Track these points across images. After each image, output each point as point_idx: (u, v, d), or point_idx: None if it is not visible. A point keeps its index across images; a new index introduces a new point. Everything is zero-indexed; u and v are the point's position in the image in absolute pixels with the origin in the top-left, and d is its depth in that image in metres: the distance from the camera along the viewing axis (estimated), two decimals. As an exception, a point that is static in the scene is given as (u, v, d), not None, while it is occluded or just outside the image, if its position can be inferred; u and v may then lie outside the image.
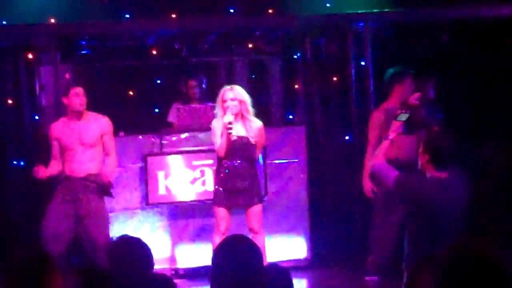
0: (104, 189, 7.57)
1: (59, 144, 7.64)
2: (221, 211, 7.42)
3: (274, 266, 4.27)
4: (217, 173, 7.54)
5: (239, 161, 7.40)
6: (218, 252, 3.77)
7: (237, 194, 7.41)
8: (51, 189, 7.70)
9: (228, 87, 7.47)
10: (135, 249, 4.42)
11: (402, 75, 7.97)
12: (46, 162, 7.61)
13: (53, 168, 7.62)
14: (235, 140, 7.31)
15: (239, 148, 7.38)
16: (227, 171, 7.41)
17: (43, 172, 7.50)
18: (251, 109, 7.44)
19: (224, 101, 7.34)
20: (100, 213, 7.57)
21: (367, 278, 8.04)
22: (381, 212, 7.92)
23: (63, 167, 7.61)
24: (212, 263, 3.75)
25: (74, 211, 7.49)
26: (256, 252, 3.74)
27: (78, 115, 7.62)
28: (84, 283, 4.06)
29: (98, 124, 7.67)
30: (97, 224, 7.52)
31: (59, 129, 7.67)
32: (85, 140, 7.57)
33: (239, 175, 7.39)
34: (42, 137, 8.32)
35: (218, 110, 7.45)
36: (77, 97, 7.56)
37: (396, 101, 7.79)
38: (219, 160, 7.47)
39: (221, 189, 7.42)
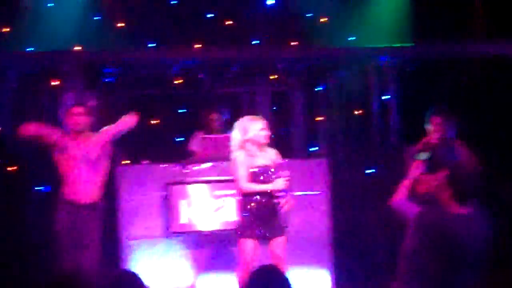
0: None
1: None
2: (249, 243, 7.04)
3: None
4: (244, 203, 7.14)
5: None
6: (251, 283, 3.80)
7: (264, 224, 7.10)
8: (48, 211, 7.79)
9: (255, 116, 7.33)
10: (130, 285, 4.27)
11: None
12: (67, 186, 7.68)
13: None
14: (261, 170, 7.15)
15: (265, 178, 7.15)
16: (254, 201, 7.10)
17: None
18: None
19: (262, 129, 7.14)
20: (96, 247, 7.64)
21: None
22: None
23: (65, 189, 7.65)
24: None
25: (75, 238, 7.58)
26: (286, 284, 3.77)
27: (80, 134, 7.73)
28: None
29: (96, 137, 7.81)
30: (92, 257, 7.59)
31: (66, 138, 7.76)
32: (90, 155, 7.66)
33: (267, 205, 7.11)
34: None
35: (241, 140, 7.16)
36: (74, 116, 7.76)
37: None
38: None
39: (251, 219, 7.06)
